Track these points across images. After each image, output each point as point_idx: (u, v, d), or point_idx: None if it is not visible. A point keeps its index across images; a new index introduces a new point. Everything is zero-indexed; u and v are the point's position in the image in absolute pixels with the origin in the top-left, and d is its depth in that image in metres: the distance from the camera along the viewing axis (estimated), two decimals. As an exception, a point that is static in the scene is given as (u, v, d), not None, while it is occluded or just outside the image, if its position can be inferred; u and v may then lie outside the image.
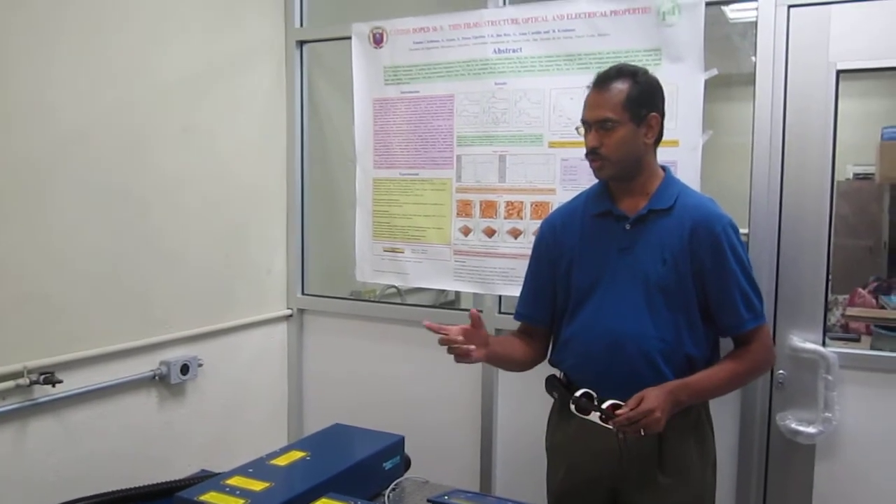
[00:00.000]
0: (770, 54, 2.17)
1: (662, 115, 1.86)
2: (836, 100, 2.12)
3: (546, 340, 2.06)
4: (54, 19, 2.08)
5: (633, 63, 1.96)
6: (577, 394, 1.84)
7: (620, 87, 1.79)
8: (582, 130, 1.87)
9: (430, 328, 1.78)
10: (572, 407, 1.85)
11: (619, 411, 1.72)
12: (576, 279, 1.93)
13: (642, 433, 1.69)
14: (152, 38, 2.38)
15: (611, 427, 1.74)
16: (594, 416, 1.80)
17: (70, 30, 2.13)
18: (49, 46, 2.07)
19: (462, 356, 1.79)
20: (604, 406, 1.78)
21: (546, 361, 2.06)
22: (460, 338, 1.80)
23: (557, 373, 2.02)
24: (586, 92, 1.87)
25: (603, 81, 1.82)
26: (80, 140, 2.17)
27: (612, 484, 1.88)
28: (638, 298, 1.84)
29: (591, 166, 1.86)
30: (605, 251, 1.89)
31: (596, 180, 1.94)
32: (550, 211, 2.41)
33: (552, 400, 2.02)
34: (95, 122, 2.21)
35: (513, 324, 2.46)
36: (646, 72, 1.85)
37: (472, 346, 1.81)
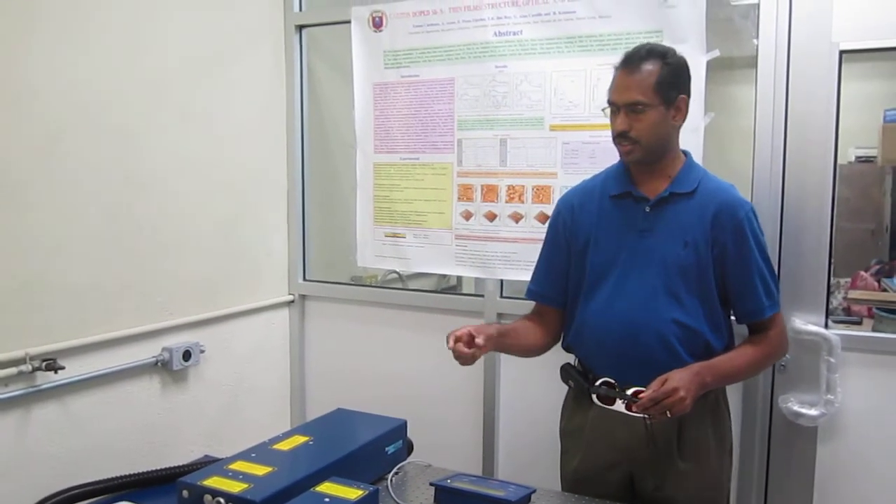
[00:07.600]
0: (772, 35, 2.15)
1: (689, 96, 1.83)
2: (839, 80, 2.10)
3: (558, 323, 2.01)
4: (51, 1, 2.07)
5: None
6: (598, 383, 1.82)
7: (651, 68, 1.75)
8: (608, 112, 1.83)
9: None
10: (594, 397, 1.83)
11: (642, 395, 1.68)
12: (592, 259, 1.90)
13: (668, 415, 1.64)
14: (150, 20, 2.36)
15: (636, 414, 1.71)
16: (619, 405, 1.79)
17: (65, 13, 2.11)
18: (42, 31, 2.05)
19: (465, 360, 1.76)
20: (628, 393, 1.76)
21: (559, 346, 2.04)
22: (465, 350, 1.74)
23: (572, 359, 2.00)
24: (614, 71, 1.82)
25: (633, 62, 1.77)
26: (77, 125, 2.15)
27: (630, 470, 1.87)
28: (656, 282, 1.80)
29: (619, 150, 1.83)
30: (623, 232, 1.86)
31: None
32: (552, 194, 2.41)
33: (557, 384, 2.00)
34: (92, 107, 2.19)
35: (515, 308, 2.47)
36: (675, 52, 1.81)
37: (472, 351, 1.75)
